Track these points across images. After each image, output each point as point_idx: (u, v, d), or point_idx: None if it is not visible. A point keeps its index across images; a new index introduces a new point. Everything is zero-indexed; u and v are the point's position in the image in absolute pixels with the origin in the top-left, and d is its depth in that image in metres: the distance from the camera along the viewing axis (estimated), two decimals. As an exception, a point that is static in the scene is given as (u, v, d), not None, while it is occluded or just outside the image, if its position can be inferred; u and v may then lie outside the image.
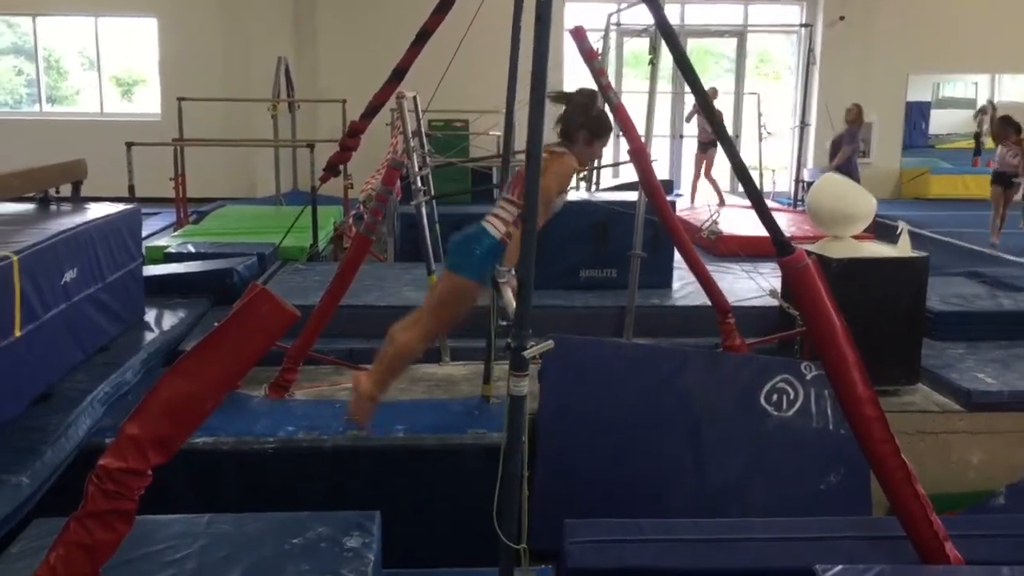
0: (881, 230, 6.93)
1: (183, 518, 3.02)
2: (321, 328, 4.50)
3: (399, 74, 3.67)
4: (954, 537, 2.69)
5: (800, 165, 12.63)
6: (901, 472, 2.63)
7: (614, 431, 3.88)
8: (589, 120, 3.20)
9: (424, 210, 5.38)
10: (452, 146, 9.47)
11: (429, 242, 5.22)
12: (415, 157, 5.49)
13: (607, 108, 3.43)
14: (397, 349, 3.24)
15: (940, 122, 16.04)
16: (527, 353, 2.47)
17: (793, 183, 12.53)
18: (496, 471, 2.65)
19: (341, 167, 4.03)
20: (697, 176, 11.59)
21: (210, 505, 3.23)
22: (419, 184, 5.45)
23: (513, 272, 2.78)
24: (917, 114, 15.07)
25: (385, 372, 3.28)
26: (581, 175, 9.90)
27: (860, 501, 3.81)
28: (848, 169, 10.50)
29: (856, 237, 4.97)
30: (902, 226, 4.78)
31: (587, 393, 3.95)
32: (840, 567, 2.55)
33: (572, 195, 7.99)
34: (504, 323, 2.70)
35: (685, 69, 2.66)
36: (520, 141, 3.64)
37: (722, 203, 11.19)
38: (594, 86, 4.05)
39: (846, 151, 10.72)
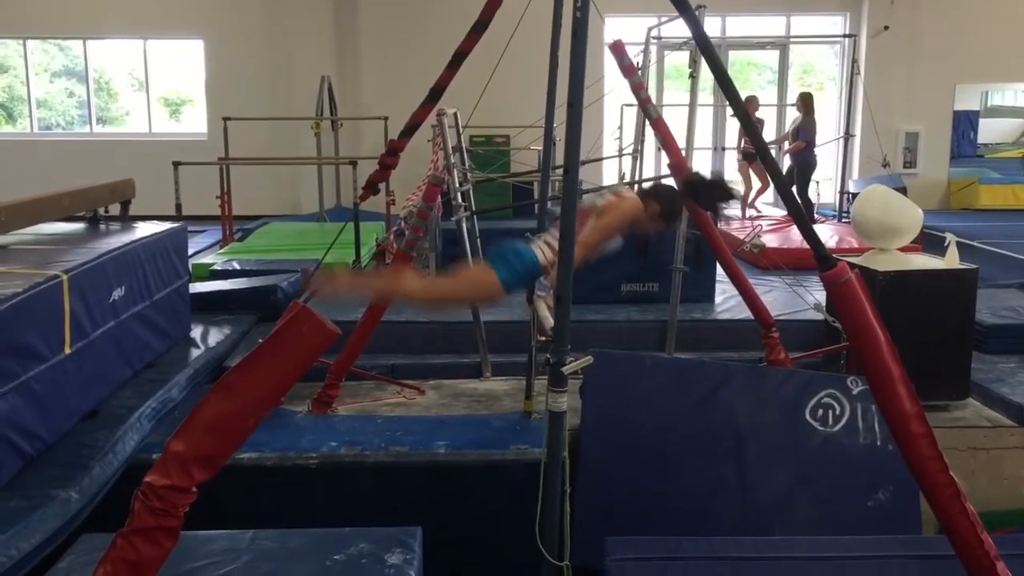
0: (929, 242, 6.83)
1: (227, 534, 3.05)
2: (363, 344, 4.54)
3: (436, 94, 3.69)
4: (1006, 556, 2.63)
5: (845, 177, 12.48)
6: (949, 490, 2.57)
7: (657, 447, 3.86)
8: (671, 203, 3.39)
9: (465, 226, 5.40)
10: (493, 161, 9.49)
11: (470, 257, 5.23)
12: (456, 173, 5.52)
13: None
14: (395, 282, 3.32)
15: (989, 131, 15.77)
16: (566, 369, 2.47)
17: (838, 195, 12.38)
18: (538, 487, 2.64)
19: (381, 184, 4.05)
20: (748, 187, 11.50)
21: (254, 520, 3.26)
22: (460, 200, 5.48)
23: (550, 288, 2.79)
24: (965, 123, 14.83)
25: (368, 286, 3.36)
26: (622, 189, 9.87)
27: (909, 518, 3.74)
28: (806, 159, 10.67)
29: (903, 249, 4.89)
30: (950, 238, 4.69)
31: (629, 408, 3.93)
32: (888, 587, 2.51)
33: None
34: (544, 339, 2.70)
35: (724, 83, 2.64)
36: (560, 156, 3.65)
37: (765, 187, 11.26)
38: (631, 100, 4.06)
39: (799, 144, 10.76)
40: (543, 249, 3.16)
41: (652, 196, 3.40)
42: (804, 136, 10.75)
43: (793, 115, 11.54)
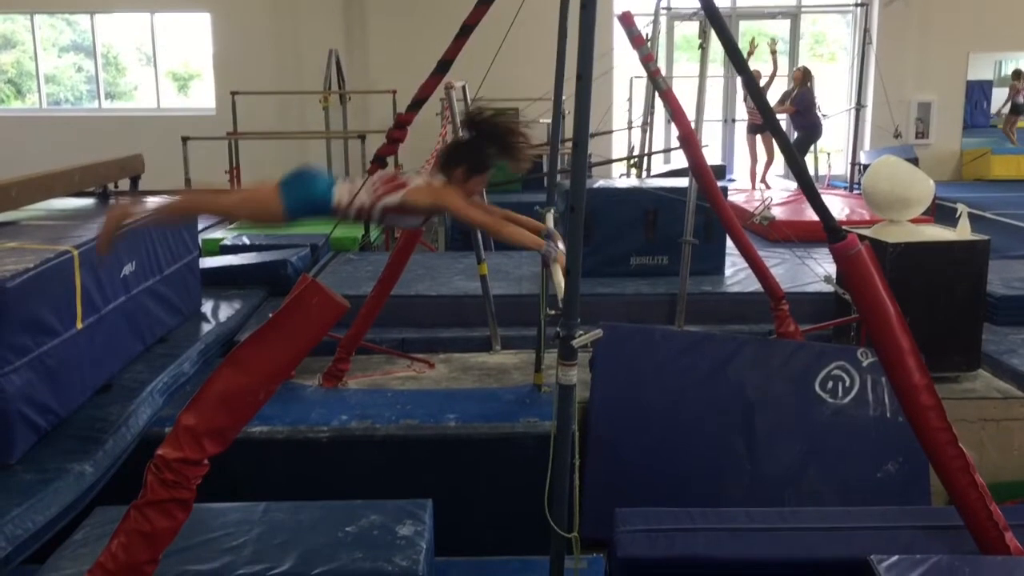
0: (941, 213, 6.79)
1: (240, 506, 3.08)
2: (373, 318, 4.54)
3: (444, 67, 3.67)
4: (1015, 527, 2.64)
5: (856, 147, 12.40)
6: (958, 461, 2.58)
7: (666, 419, 3.87)
8: (473, 152, 2.85)
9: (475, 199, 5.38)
10: (502, 135, 9.43)
11: (479, 232, 5.22)
12: (464, 146, 5.49)
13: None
14: (177, 203, 3.06)
15: (1002, 101, 15.64)
16: (576, 342, 2.46)
17: (849, 166, 12.30)
18: (548, 460, 2.65)
19: (389, 158, 4.05)
20: (754, 161, 11.43)
21: (265, 493, 3.29)
22: (469, 173, 5.45)
23: (561, 248, 2.72)
24: (978, 93, 14.71)
25: (150, 212, 3.07)
26: (632, 162, 9.83)
27: (919, 490, 3.75)
28: (814, 124, 10.80)
29: (914, 221, 4.87)
30: (961, 208, 4.66)
31: (639, 381, 3.94)
32: (896, 557, 2.52)
33: (623, 182, 7.95)
34: (553, 312, 2.69)
35: (733, 55, 2.62)
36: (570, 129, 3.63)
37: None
38: (641, 72, 4.01)
39: (788, 108, 10.87)
40: (343, 189, 2.89)
41: (451, 162, 2.85)
42: (797, 104, 10.76)
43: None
